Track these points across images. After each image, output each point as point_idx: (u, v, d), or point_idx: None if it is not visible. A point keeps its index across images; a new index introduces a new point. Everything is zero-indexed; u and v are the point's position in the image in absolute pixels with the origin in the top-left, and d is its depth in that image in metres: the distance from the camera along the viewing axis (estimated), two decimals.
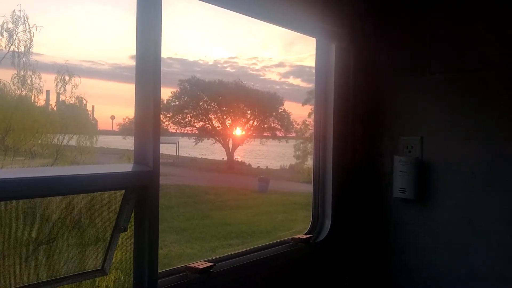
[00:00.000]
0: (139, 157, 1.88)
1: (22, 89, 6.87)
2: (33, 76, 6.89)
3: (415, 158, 2.79)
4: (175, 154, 20.05)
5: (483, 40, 2.64)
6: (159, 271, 2.00)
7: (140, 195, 1.85)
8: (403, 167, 2.80)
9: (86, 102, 7.92)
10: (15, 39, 6.75)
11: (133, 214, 1.90)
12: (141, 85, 1.87)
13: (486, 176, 2.60)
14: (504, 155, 2.55)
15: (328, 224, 2.86)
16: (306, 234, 2.84)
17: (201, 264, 2.10)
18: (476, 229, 2.63)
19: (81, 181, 1.68)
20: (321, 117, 2.91)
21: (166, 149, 18.88)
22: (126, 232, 1.97)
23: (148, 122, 1.86)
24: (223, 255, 2.34)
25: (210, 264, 2.13)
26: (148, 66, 1.85)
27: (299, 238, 2.71)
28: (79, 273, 1.88)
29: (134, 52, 1.89)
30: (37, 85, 6.94)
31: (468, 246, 2.65)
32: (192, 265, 2.09)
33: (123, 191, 1.85)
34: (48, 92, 7.74)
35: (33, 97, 7.05)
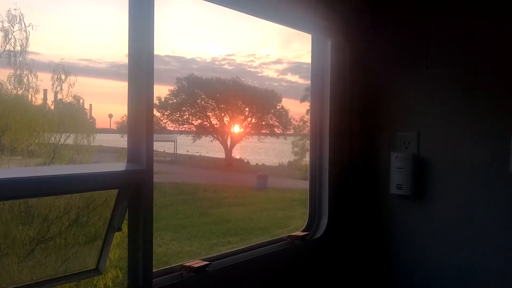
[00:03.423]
0: (132, 155, 1.87)
1: (19, 88, 6.86)
2: (29, 75, 6.88)
3: (412, 154, 2.78)
4: (173, 152, 20.02)
5: (481, 34, 2.62)
6: (156, 269, 1.99)
7: (133, 194, 1.84)
8: (400, 163, 2.79)
9: (83, 100, 7.91)
10: (10, 38, 6.73)
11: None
12: (134, 83, 1.85)
13: (484, 172, 2.59)
14: (502, 150, 2.54)
15: (324, 221, 2.84)
16: (303, 231, 2.82)
17: (197, 263, 2.09)
18: (474, 225, 2.62)
19: (74, 180, 1.66)
20: (318, 113, 2.89)
21: (162, 147, 18.85)
22: (123, 231, 1.96)
23: (141, 121, 1.84)
24: (219, 253, 2.33)
25: (205, 262, 2.11)
26: (140, 64, 1.84)
27: (295, 235, 2.70)
28: (73, 273, 1.86)
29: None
30: (34, 84, 6.93)
31: (467, 242, 2.64)
32: (188, 264, 2.07)
33: (117, 190, 1.84)
34: (45, 91, 7.72)
35: (29, 96, 7.04)
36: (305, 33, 2.84)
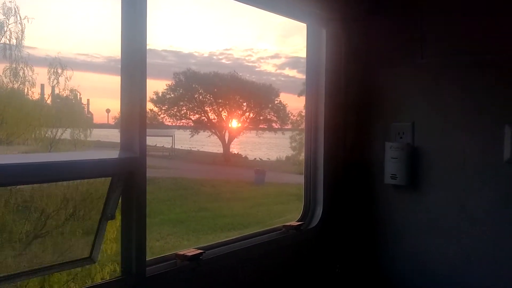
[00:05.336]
0: (125, 143, 1.86)
1: (14, 82, 6.82)
2: (25, 68, 6.83)
3: (406, 144, 2.78)
4: (170, 146, 20.01)
5: (475, 24, 2.61)
6: (150, 258, 1.99)
7: (127, 182, 1.83)
8: (394, 153, 2.79)
9: (80, 95, 7.87)
10: (6, 31, 6.69)
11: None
12: (127, 72, 1.84)
13: (479, 161, 2.59)
14: (495, 140, 2.53)
15: (319, 211, 2.84)
16: (298, 221, 2.82)
17: (191, 251, 2.09)
18: (468, 214, 2.62)
19: (66, 168, 1.65)
20: (313, 104, 2.89)
21: (161, 142, 18.83)
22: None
23: (134, 109, 1.83)
24: (213, 242, 2.32)
25: (200, 251, 2.11)
26: (133, 54, 1.83)
27: (290, 225, 2.70)
28: (67, 262, 1.86)
29: None
30: (30, 78, 6.89)
31: (460, 231, 2.65)
32: (181, 253, 2.07)
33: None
34: (43, 86, 7.69)
35: (26, 90, 7.00)
36: (303, 29, 2.84)
